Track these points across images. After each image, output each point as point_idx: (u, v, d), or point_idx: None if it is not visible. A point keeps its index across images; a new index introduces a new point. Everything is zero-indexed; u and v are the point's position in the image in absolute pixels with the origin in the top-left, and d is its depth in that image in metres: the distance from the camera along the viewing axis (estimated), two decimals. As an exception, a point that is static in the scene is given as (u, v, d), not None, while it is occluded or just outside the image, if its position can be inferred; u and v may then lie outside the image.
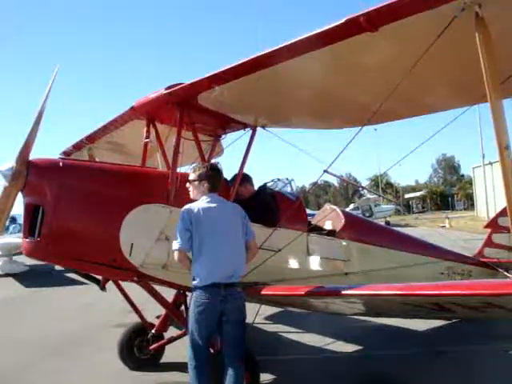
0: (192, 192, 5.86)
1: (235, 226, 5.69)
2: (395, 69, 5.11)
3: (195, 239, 5.44)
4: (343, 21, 4.69)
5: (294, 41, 5.13)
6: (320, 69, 5.75)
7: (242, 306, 5.65)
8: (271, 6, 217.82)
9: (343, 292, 5.36)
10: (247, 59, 5.65)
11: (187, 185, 5.88)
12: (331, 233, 8.44)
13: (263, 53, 5.45)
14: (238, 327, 5.54)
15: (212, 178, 5.79)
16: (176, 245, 5.50)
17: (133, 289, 7.50)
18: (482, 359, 7.75)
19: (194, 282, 5.48)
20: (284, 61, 5.38)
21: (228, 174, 7.88)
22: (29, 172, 5.90)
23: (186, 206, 5.57)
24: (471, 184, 77.34)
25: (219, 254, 5.45)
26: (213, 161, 8.41)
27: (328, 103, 6.77)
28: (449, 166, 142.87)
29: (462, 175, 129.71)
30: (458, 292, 4.33)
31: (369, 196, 65.71)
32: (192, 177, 5.83)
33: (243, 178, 7.76)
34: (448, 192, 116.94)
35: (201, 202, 5.62)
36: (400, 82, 5.03)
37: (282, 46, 5.22)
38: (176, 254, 5.55)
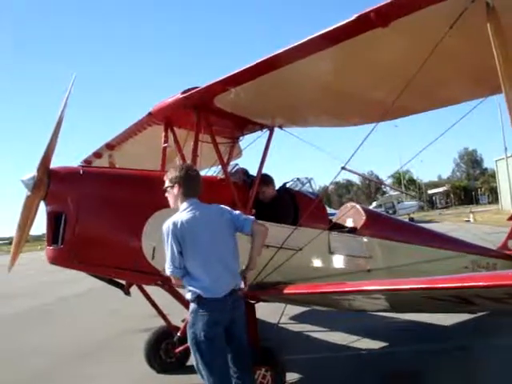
0: (170, 201, 5.35)
1: (225, 230, 5.16)
2: (408, 63, 5.08)
3: (186, 254, 4.91)
4: (354, 17, 4.69)
5: (306, 40, 5.12)
6: (333, 66, 5.76)
7: (244, 313, 5.30)
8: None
9: (365, 288, 5.36)
10: (260, 60, 5.66)
11: (166, 195, 5.37)
12: (352, 230, 8.43)
13: (276, 53, 5.46)
14: (244, 335, 5.26)
15: (185, 180, 5.17)
16: (168, 270, 4.98)
17: (158, 293, 7.57)
18: (508, 354, 7.67)
19: (193, 296, 4.94)
20: (297, 60, 5.39)
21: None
22: (50, 180, 5.94)
23: (169, 221, 4.97)
24: (495, 177, 76.58)
25: (221, 264, 4.98)
26: (232, 162, 8.45)
27: (343, 100, 6.76)
28: (471, 160, 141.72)
29: (485, 169, 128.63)
30: (481, 284, 4.27)
31: (391, 193, 65.44)
32: (165, 184, 5.31)
33: (267, 180, 7.79)
34: (471, 186, 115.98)
35: (182, 214, 5.03)
36: (414, 76, 5.01)
37: (294, 45, 5.23)
38: (172, 279, 5.11)
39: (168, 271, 4.99)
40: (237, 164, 8.38)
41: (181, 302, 6.99)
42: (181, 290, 6.91)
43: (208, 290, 4.88)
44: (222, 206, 5.37)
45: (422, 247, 8.88)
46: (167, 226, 4.94)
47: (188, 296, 5.00)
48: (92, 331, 11.94)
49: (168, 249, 4.94)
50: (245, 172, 8.04)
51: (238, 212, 5.41)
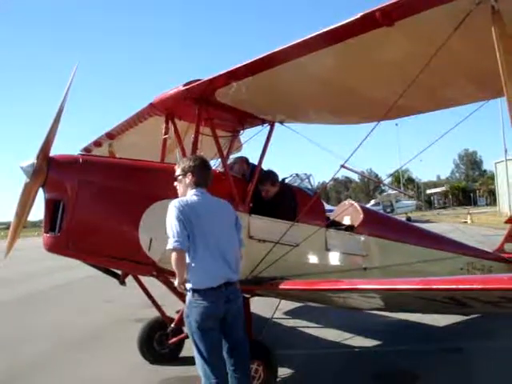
0: (179, 190, 5.45)
1: (230, 224, 5.32)
2: (412, 63, 5.09)
3: (190, 236, 4.92)
4: (359, 16, 4.69)
5: (310, 36, 5.12)
6: (337, 64, 5.75)
7: (242, 306, 5.35)
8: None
9: (360, 286, 5.37)
10: (264, 55, 5.66)
11: (175, 183, 5.48)
12: (350, 228, 8.43)
13: (280, 48, 5.45)
14: (242, 329, 5.29)
15: (197, 169, 5.31)
16: (173, 243, 4.84)
17: (153, 283, 7.58)
18: (500, 356, 7.69)
19: (190, 285, 4.97)
20: (300, 56, 5.39)
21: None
22: (49, 168, 5.91)
23: (177, 199, 5.09)
24: (493, 179, 76.53)
25: (219, 253, 5.02)
26: (232, 156, 8.44)
27: (346, 98, 6.76)
28: (471, 162, 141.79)
29: (485, 170, 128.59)
30: (475, 286, 4.28)
31: (390, 192, 65.52)
32: (176, 172, 5.45)
33: (274, 180, 7.80)
34: (470, 187, 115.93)
35: (191, 197, 5.16)
36: (417, 76, 5.02)
37: (298, 41, 5.22)
38: (173, 255, 4.86)
39: (173, 245, 4.83)
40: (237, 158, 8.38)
41: (175, 293, 6.98)
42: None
43: (202, 277, 4.94)
44: (230, 205, 5.52)
45: (419, 247, 8.90)
46: (175, 203, 5.01)
47: (187, 285, 5.00)
48: (86, 320, 11.93)
49: (173, 224, 4.89)
50: (245, 161, 8.07)
51: (239, 227, 5.50)
